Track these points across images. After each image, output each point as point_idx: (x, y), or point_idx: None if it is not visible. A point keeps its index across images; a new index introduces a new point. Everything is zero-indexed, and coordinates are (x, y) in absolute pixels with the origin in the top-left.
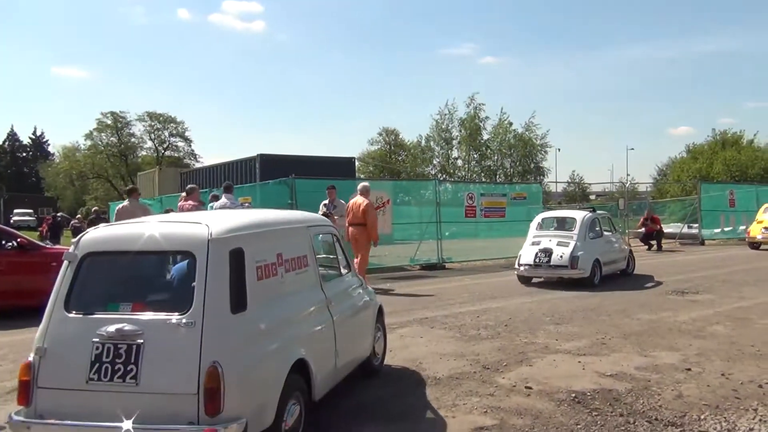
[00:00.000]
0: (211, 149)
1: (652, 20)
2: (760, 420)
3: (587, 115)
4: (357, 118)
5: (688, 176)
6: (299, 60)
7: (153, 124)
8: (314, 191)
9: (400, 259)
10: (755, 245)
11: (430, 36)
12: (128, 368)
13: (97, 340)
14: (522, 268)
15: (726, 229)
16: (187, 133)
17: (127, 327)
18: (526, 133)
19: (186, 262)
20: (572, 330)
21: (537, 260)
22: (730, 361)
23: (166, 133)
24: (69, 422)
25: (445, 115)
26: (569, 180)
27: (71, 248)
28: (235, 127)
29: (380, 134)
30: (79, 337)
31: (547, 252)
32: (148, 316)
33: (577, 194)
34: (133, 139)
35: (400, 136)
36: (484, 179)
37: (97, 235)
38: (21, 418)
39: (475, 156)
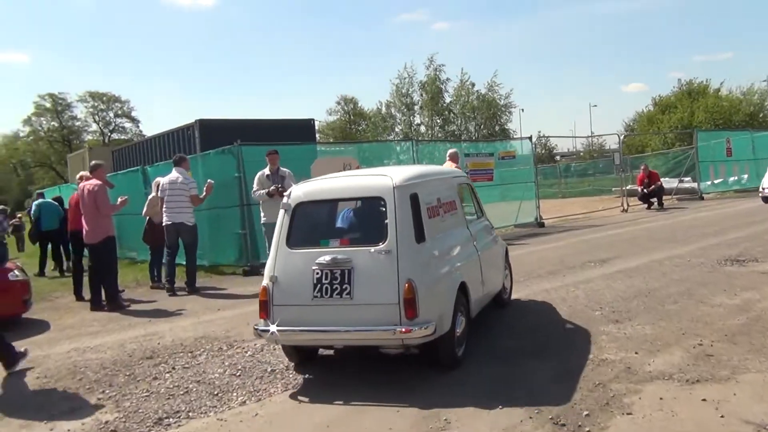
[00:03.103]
0: (162, 129)
1: None
2: None
3: (546, 74)
4: (314, 89)
5: (669, 127)
6: (253, 33)
7: (96, 104)
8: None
9: None
10: None
11: (382, 2)
12: (343, 287)
13: (317, 267)
14: (766, 190)
15: (716, 181)
16: (134, 113)
17: (340, 256)
18: (489, 93)
19: (352, 209)
20: (645, 332)
21: None
22: None
23: (111, 114)
24: (301, 328)
25: (405, 78)
26: (540, 135)
27: (285, 200)
28: (188, 106)
29: (338, 103)
30: (302, 266)
31: None
32: (353, 247)
33: (544, 155)
34: (76, 123)
35: (359, 105)
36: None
37: (305, 189)
38: (264, 327)
39: (438, 121)
